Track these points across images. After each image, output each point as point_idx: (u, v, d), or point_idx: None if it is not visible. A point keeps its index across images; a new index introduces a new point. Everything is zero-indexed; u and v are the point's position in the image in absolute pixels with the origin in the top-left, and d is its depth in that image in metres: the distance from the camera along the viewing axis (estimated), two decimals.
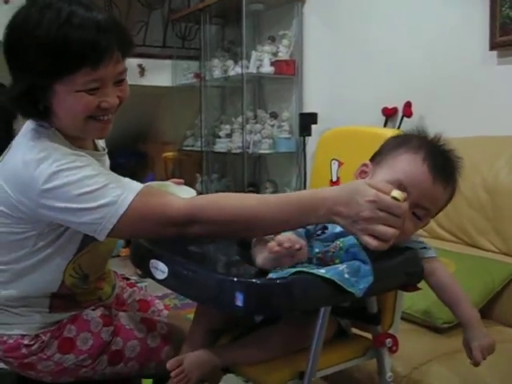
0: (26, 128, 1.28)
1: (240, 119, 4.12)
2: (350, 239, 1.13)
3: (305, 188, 3.75)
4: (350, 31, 3.51)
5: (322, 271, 1.03)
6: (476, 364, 1.24)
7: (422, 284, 1.24)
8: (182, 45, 5.02)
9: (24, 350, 1.32)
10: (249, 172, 4.18)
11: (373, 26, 3.32)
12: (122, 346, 1.40)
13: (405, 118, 3.04)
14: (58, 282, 1.33)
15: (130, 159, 5.11)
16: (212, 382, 1.38)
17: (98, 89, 1.20)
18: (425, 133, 1.27)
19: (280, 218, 1.11)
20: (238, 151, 4.09)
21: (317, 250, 1.20)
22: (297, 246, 1.06)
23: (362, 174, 1.26)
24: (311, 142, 3.68)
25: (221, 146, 4.42)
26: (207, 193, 4.20)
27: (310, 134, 3.65)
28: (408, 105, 3.02)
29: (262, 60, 3.97)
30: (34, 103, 1.22)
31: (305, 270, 1.04)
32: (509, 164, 2.06)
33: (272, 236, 1.23)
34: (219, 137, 4.49)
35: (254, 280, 1.03)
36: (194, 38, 4.97)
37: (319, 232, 1.27)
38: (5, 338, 1.33)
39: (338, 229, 1.23)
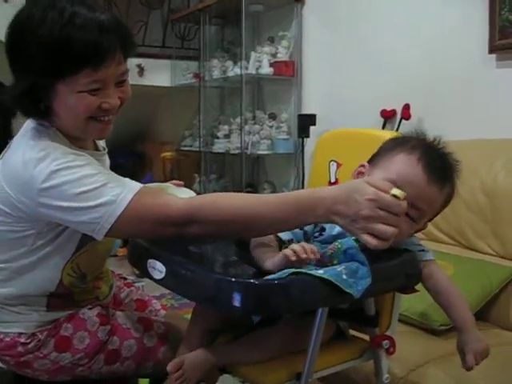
0: (26, 127, 1.28)
1: (239, 120, 4.12)
2: (349, 241, 1.13)
3: (303, 189, 3.74)
4: (349, 33, 3.52)
5: (320, 272, 1.03)
6: (468, 368, 1.24)
7: (419, 286, 1.24)
8: (182, 45, 5.03)
9: (20, 349, 1.32)
10: (247, 173, 4.18)
11: (372, 28, 3.33)
12: (119, 346, 1.39)
13: (403, 121, 3.05)
14: (56, 280, 1.33)
15: (128, 159, 5.10)
16: (209, 382, 1.38)
17: (99, 89, 1.19)
18: (423, 135, 1.27)
19: (278, 217, 1.11)
20: (237, 152, 4.09)
21: None
22: (312, 257, 1.07)
23: (360, 174, 1.25)
24: (309, 144, 3.68)
25: (219, 146, 4.42)
26: (205, 193, 4.19)
27: (308, 136, 3.65)
28: (406, 107, 3.02)
29: (261, 61, 3.98)
30: (35, 102, 1.22)
31: (303, 270, 1.04)
32: (507, 167, 2.07)
33: (271, 236, 1.23)
34: (217, 137, 4.49)
35: (251, 280, 1.03)
36: (193, 38, 4.97)
37: (317, 234, 1.27)
38: (1, 336, 1.33)
39: (336, 230, 1.24)
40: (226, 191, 4.42)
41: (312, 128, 3.61)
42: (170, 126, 5.02)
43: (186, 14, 4.73)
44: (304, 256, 1.06)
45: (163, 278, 1.14)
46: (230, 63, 4.23)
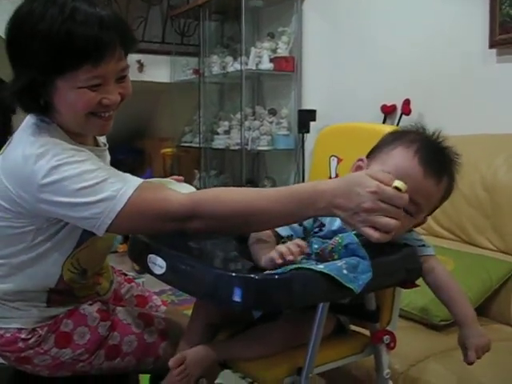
0: (26, 122, 1.28)
1: (239, 116, 4.12)
2: (349, 235, 1.13)
3: None
4: (349, 28, 3.51)
5: (320, 267, 1.03)
6: (469, 363, 1.24)
7: (419, 281, 1.24)
8: (181, 41, 5.02)
9: (21, 344, 1.32)
10: (247, 168, 4.17)
11: (372, 23, 3.32)
12: (119, 341, 1.39)
13: (403, 116, 3.04)
14: (56, 276, 1.33)
15: (128, 155, 5.10)
16: (210, 377, 1.38)
17: (99, 85, 1.19)
18: (422, 128, 1.26)
19: (279, 211, 1.10)
20: (237, 148, 4.09)
21: (316, 247, 1.20)
22: (298, 258, 1.07)
23: (358, 169, 1.25)
24: (310, 139, 3.68)
25: (219, 142, 4.42)
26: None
27: (308, 131, 3.65)
28: (407, 102, 3.02)
29: (261, 56, 3.97)
30: (35, 98, 1.22)
31: (303, 266, 1.04)
32: (507, 162, 2.07)
33: (269, 232, 1.23)
34: (217, 133, 4.49)
35: (252, 275, 1.02)
36: (193, 34, 4.97)
37: (316, 229, 1.27)
38: (2, 332, 1.33)
39: (336, 225, 1.23)
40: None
41: (312, 123, 3.60)
42: (170, 122, 5.01)
43: (185, 10, 4.73)
44: (290, 258, 1.06)
45: (164, 274, 1.13)
46: (229, 59, 4.22)
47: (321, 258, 1.16)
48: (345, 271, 1.04)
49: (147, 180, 1.25)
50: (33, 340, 1.32)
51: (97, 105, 1.21)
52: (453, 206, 2.11)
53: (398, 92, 3.06)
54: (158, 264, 1.14)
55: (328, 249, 1.15)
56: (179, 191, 1.24)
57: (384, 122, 3.18)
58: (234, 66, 4.13)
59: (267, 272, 1.04)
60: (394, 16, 3.18)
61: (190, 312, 1.36)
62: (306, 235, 1.28)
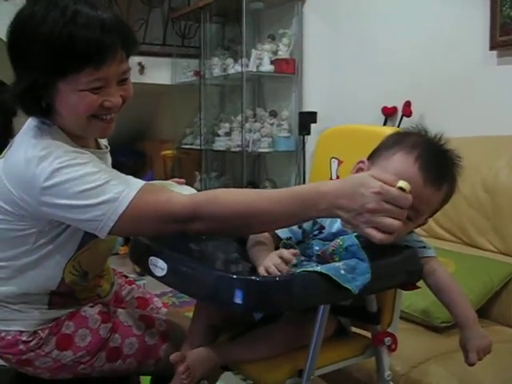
0: (28, 125, 1.28)
1: (239, 118, 4.12)
2: (350, 238, 1.13)
3: None
4: (350, 30, 3.51)
5: (317, 268, 1.03)
6: (471, 364, 1.23)
7: (420, 283, 1.24)
8: (182, 43, 5.03)
9: (22, 347, 1.32)
10: (248, 170, 4.17)
11: (372, 25, 3.32)
12: (120, 343, 1.39)
13: (404, 118, 3.05)
14: (57, 279, 1.33)
15: (128, 157, 5.10)
16: (211, 379, 1.38)
17: (101, 88, 1.19)
18: (424, 131, 1.25)
19: (281, 212, 1.10)
20: (237, 150, 4.09)
21: (317, 248, 1.20)
22: (284, 272, 1.07)
23: (359, 170, 1.24)
24: (310, 141, 3.68)
25: (220, 144, 4.42)
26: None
27: (309, 133, 3.65)
28: (408, 104, 3.02)
29: (261, 58, 3.97)
30: (36, 101, 1.22)
31: (306, 270, 1.04)
32: (509, 164, 2.07)
33: (267, 234, 1.23)
34: (218, 135, 4.49)
35: (253, 277, 1.03)
36: (193, 36, 4.97)
37: (316, 232, 1.27)
38: (3, 334, 1.33)
39: (335, 228, 1.23)
40: None
41: (313, 125, 3.60)
42: (171, 124, 5.02)
43: (186, 12, 4.73)
44: (277, 273, 1.07)
45: (165, 276, 1.13)
46: (230, 61, 4.23)
47: (322, 259, 1.16)
48: (342, 271, 1.04)
49: (149, 182, 1.25)
50: (34, 342, 1.32)
51: (98, 107, 1.21)
52: (454, 207, 2.11)
53: (399, 94, 3.06)
54: (159, 266, 1.14)
55: (329, 251, 1.15)
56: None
57: (385, 124, 3.18)
58: (234, 68, 4.13)
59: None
60: (394, 18, 3.18)
61: (191, 314, 1.36)
62: (305, 238, 1.28)
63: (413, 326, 1.84)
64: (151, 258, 1.17)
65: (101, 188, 1.14)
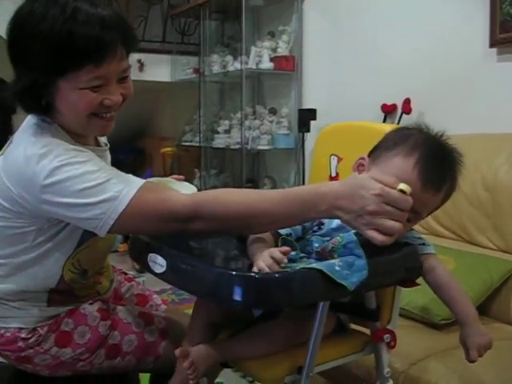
0: (27, 122, 1.28)
1: (239, 115, 4.11)
2: (349, 235, 1.13)
3: (303, 184, 3.74)
4: (350, 27, 3.51)
5: (313, 264, 1.03)
6: (471, 361, 1.23)
7: (420, 280, 1.24)
8: (182, 40, 5.02)
9: (21, 344, 1.32)
10: (247, 168, 4.17)
11: (372, 22, 3.32)
12: (120, 340, 1.39)
13: (404, 115, 3.04)
14: (56, 276, 1.33)
15: (128, 155, 5.11)
16: (210, 376, 1.38)
17: (101, 86, 1.19)
18: (426, 129, 1.24)
19: (281, 213, 1.10)
20: (237, 147, 4.09)
21: (316, 245, 1.20)
22: (275, 270, 1.05)
23: (360, 167, 1.24)
24: (310, 138, 3.68)
25: (219, 141, 4.41)
26: (205, 189, 4.20)
27: (308, 130, 3.65)
28: (407, 101, 3.01)
29: (261, 56, 3.96)
30: (36, 99, 1.21)
31: (305, 267, 1.04)
32: (508, 161, 2.07)
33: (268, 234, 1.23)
34: (218, 132, 4.48)
35: (252, 274, 1.03)
36: (193, 33, 4.97)
37: (315, 228, 1.27)
38: (2, 331, 1.33)
39: (335, 224, 1.23)
40: (226, 186, 4.40)
41: (312, 123, 3.60)
42: (170, 122, 5.01)
43: (186, 9, 4.73)
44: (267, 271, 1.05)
45: (164, 272, 1.13)
46: (230, 58, 4.22)
47: (321, 256, 1.16)
48: (337, 268, 1.03)
49: (148, 180, 1.25)
50: (33, 339, 1.32)
51: (98, 106, 1.20)
52: (454, 205, 2.11)
53: (399, 91, 3.05)
54: (159, 263, 1.14)
55: (328, 248, 1.15)
56: (180, 190, 1.24)
57: (384, 121, 3.17)
58: (234, 65, 4.12)
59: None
60: (394, 14, 3.17)
61: (190, 311, 1.36)
62: (305, 233, 1.27)
63: (412, 322, 1.84)
64: (150, 254, 1.17)
65: (101, 186, 1.14)
